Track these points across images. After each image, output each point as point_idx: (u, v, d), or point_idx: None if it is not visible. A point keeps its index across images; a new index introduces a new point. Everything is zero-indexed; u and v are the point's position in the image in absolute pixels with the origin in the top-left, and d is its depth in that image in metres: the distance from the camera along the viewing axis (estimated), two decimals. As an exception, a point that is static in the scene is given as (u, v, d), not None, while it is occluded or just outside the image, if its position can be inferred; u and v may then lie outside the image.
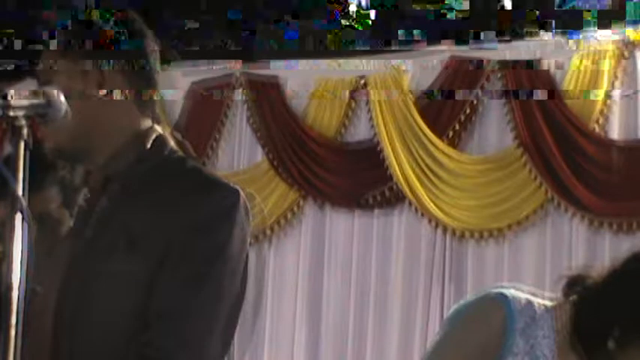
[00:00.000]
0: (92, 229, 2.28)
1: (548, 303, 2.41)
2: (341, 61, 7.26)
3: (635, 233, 6.35)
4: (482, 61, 6.79)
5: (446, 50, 6.92)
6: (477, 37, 6.90)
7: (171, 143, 2.43)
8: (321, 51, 7.59)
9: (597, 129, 6.49)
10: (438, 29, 7.25)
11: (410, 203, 6.89)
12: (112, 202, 2.30)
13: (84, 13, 2.38)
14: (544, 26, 6.81)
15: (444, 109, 6.85)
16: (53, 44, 2.36)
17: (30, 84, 6.29)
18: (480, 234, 6.71)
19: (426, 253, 6.83)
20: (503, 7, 7.62)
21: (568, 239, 6.54)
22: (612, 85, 6.47)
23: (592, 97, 6.43)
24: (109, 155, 2.33)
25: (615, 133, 6.51)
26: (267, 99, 7.33)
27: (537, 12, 7.27)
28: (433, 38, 7.01)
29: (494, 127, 6.81)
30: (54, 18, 2.39)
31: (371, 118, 7.03)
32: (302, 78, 7.30)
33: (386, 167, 6.92)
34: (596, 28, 6.58)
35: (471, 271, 6.71)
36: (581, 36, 6.62)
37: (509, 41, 6.76)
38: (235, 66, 7.48)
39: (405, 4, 7.70)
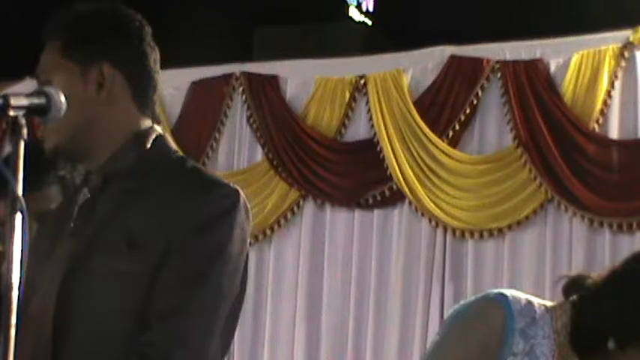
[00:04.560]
0: (92, 229, 2.28)
1: (548, 303, 2.41)
2: (341, 61, 7.27)
3: (635, 233, 6.36)
4: (482, 61, 6.80)
5: (446, 50, 6.93)
6: (477, 37, 6.89)
7: (172, 143, 2.43)
8: (321, 51, 7.58)
9: (597, 129, 6.50)
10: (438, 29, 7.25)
11: (410, 203, 6.90)
12: (112, 202, 2.30)
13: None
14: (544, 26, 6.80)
15: (444, 109, 6.85)
16: (53, 44, 2.36)
17: (30, 84, 6.31)
18: (479, 234, 6.71)
19: (426, 252, 6.84)
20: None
21: (568, 239, 6.54)
22: (612, 85, 6.47)
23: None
24: (109, 155, 2.33)
25: (615, 133, 6.52)
26: (267, 99, 7.34)
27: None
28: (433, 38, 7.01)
29: (494, 127, 6.82)
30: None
31: (371, 118, 7.04)
32: (302, 78, 7.31)
33: (386, 167, 6.93)
34: (596, 29, 6.59)
35: (471, 270, 6.71)
36: (581, 36, 6.62)
37: (509, 41, 6.77)
38: (235, 66, 7.49)
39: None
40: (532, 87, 6.64)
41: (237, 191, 2.30)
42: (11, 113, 1.93)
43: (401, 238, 6.94)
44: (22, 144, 1.91)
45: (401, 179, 6.87)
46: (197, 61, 7.46)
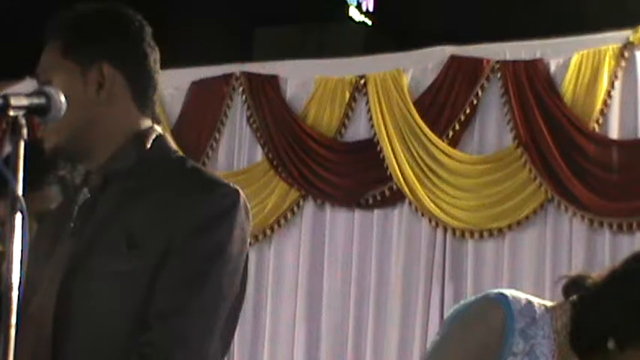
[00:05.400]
0: (92, 229, 2.28)
1: (548, 303, 2.41)
2: (341, 61, 7.27)
3: (635, 233, 6.36)
4: (482, 61, 6.80)
5: (446, 50, 6.93)
6: (477, 37, 6.89)
7: (172, 143, 2.43)
8: (321, 51, 7.58)
9: (597, 129, 6.50)
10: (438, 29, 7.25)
11: (410, 203, 6.90)
12: (112, 202, 2.30)
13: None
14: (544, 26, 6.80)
15: (444, 109, 6.85)
16: (53, 44, 2.36)
17: (30, 84, 6.31)
18: (479, 234, 6.71)
19: (426, 252, 6.84)
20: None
21: (568, 239, 6.54)
22: (612, 85, 6.47)
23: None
24: (109, 155, 2.33)
25: (615, 133, 6.52)
26: (267, 99, 7.34)
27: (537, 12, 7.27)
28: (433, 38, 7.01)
29: (494, 127, 6.82)
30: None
31: (371, 118, 7.04)
32: (302, 78, 7.31)
33: (386, 167, 6.93)
34: (596, 29, 6.59)
35: (471, 270, 6.71)
36: (581, 36, 6.62)
37: (509, 41, 6.77)
38: (235, 66, 7.49)
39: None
40: (532, 87, 6.64)
41: (237, 191, 2.30)
42: (11, 113, 1.93)
43: (401, 238, 6.94)
44: (22, 144, 1.91)
45: (401, 179, 6.87)
46: (197, 61, 7.46)
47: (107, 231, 2.26)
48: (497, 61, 6.77)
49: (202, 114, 7.50)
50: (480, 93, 6.78)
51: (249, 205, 2.32)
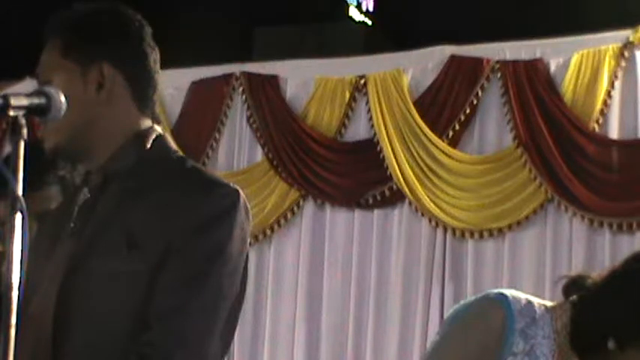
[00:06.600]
0: (92, 229, 2.28)
1: (549, 303, 2.41)
2: (341, 61, 7.27)
3: (635, 233, 6.36)
4: (482, 61, 6.80)
5: (446, 50, 6.93)
6: (477, 37, 6.90)
7: (172, 143, 2.43)
8: (321, 51, 7.58)
9: (597, 129, 6.50)
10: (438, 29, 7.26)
11: (410, 203, 6.90)
12: (112, 202, 2.30)
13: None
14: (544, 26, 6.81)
15: (444, 109, 6.85)
16: (53, 44, 2.36)
17: (30, 84, 6.31)
18: (479, 234, 6.71)
19: (426, 252, 6.84)
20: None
21: (568, 239, 6.54)
22: (612, 85, 6.47)
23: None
24: (109, 155, 2.33)
25: (615, 133, 6.52)
26: (267, 99, 7.34)
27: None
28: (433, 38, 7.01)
29: (494, 127, 6.82)
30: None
31: (371, 118, 7.04)
32: (302, 78, 7.31)
33: (386, 167, 6.93)
34: (596, 29, 6.59)
35: (471, 270, 6.71)
36: (581, 36, 6.63)
37: (509, 41, 6.77)
38: (235, 66, 7.49)
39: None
40: (532, 87, 6.64)
41: (237, 191, 2.30)
42: (11, 113, 1.93)
43: (401, 238, 6.94)
44: (22, 144, 1.91)
45: (401, 179, 6.87)
46: (197, 61, 7.46)
47: (107, 231, 2.26)
48: (497, 61, 6.77)
49: (202, 114, 7.50)
50: (479, 93, 6.79)
51: (249, 205, 2.32)
